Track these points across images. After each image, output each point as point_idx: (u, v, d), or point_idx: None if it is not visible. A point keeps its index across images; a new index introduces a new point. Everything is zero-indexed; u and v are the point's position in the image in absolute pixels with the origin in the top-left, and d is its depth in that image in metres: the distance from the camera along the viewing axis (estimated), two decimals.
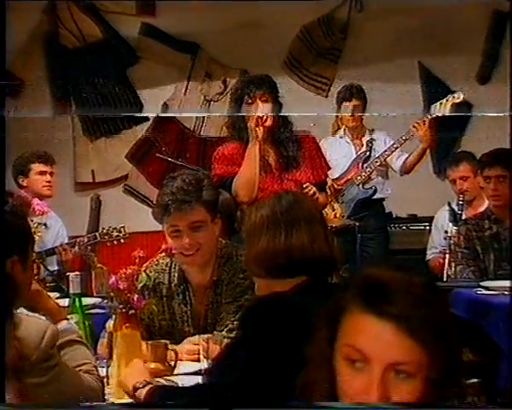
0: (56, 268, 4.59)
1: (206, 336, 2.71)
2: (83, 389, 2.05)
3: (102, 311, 2.97)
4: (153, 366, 2.56)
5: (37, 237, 3.31)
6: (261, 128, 3.89)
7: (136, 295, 2.51)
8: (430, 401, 1.40)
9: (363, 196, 5.16)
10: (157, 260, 3.07)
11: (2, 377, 1.52)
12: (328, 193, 4.68)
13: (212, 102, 6.45)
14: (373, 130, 5.38)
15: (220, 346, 2.55)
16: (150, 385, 2.24)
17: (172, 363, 2.61)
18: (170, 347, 2.66)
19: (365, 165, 5.21)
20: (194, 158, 6.25)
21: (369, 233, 5.14)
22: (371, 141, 5.27)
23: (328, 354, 1.45)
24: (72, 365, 2.07)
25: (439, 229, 5.05)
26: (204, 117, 6.45)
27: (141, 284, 2.65)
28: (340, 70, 6.36)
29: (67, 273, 2.78)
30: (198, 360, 2.64)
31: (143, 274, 2.83)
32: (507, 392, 3.34)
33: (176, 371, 2.60)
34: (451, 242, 4.40)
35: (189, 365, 2.69)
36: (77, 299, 2.63)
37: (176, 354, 2.63)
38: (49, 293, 2.48)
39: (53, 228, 4.79)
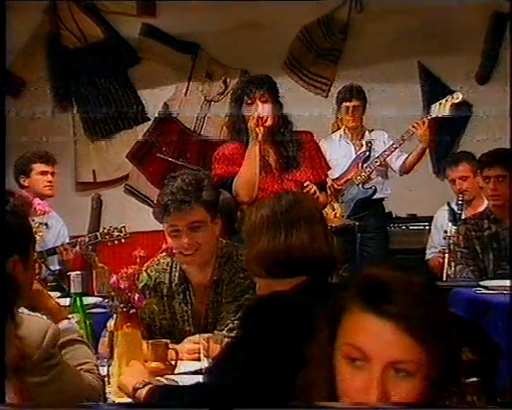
0: (57, 268, 4.60)
1: (206, 335, 2.71)
2: (84, 388, 2.05)
3: (103, 310, 2.98)
4: (153, 365, 2.57)
5: (38, 237, 3.34)
6: (261, 128, 3.90)
7: (137, 295, 2.51)
8: (429, 400, 1.41)
9: (362, 195, 5.17)
10: (158, 260, 3.08)
11: (3, 377, 1.53)
12: (328, 193, 4.67)
13: (212, 103, 6.46)
14: (372, 130, 5.39)
15: (220, 345, 2.55)
16: (150, 385, 2.24)
17: (173, 362, 2.61)
18: (170, 346, 2.67)
19: (365, 165, 5.21)
20: (195, 158, 6.25)
21: (368, 233, 5.15)
22: (371, 141, 5.28)
23: (328, 354, 1.46)
24: (73, 364, 2.07)
25: (438, 229, 5.06)
26: (204, 117, 6.46)
27: (142, 284, 2.66)
28: (340, 70, 6.37)
29: (68, 273, 2.78)
30: (198, 360, 2.65)
31: (144, 274, 2.85)
32: (506, 391, 3.35)
33: (176, 371, 2.60)
34: (451, 241, 4.40)
35: (190, 364, 2.69)
36: (78, 298, 2.63)
37: (176, 353, 2.63)
38: (50, 292, 2.50)
39: (54, 228, 4.80)
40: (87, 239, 4.66)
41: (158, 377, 2.46)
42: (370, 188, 5.20)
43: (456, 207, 4.66)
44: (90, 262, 4.36)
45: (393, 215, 5.87)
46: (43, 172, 4.87)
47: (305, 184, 3.92)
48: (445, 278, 4.39)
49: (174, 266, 3.06)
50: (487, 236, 4.29)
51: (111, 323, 2.57)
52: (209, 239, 2.98)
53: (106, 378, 2.39)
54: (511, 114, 5.24)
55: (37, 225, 3.65)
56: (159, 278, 3.04)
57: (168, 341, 2.71)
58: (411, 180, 5.49)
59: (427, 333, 1.39)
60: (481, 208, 4.57)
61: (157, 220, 3.02)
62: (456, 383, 1.46)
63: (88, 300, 3.13)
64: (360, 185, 5.17)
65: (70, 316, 2.40)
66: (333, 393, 1.45)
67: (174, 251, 2.93)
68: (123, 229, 4.62)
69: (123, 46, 6.39)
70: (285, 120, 4.00)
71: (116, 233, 4.61)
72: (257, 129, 3.89)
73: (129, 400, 2.28)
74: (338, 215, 5.05)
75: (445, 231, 4.58)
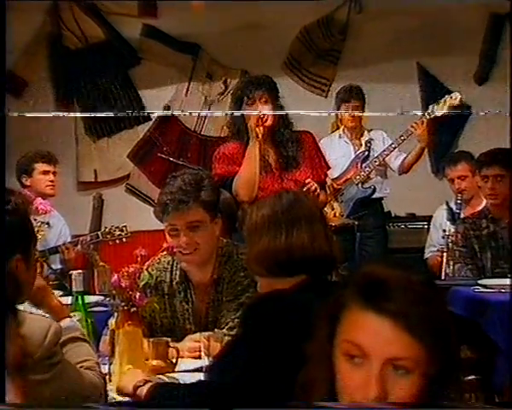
0: (59, 267, 4.61)
1: (207, 333, 2.72)
2: (85, 385, 2.05)
3: (105, 309, 3.00)
4: (154, 363, 2.58)
5: (40, 236, 3.35)
6: (261, 128, 3.91)
7: (138, 293, 2.53)
8: (428, 397, 1.41)
9: (362, 195, 5.18)
10: (159, 259, 3.08)
11: (3, 377, 1.53)
12: (328, 192, 4.69)
13: (212, 103, 6.47)
14: (371, 130, 5.40)
15: (221, 343, 2.56)
16: (150, 383, 2.26)
17: (174, 360, 2.62)
18: (171, 344, 2.68)
19: (364, 164, 5.22)
20: (195, 158, 6.26)
21: (368, 232, 5.15)
22: (370, 141, 5.29)
23: (327, 351, 1.46)
24: (74, 361, 2.07)
25: (437, 228, 5.07)
26: (205, 117, 6.47)
27: (143, 282, 2.68)
28: (340, 71, 6.37)
29: (70, 272, 2.78)
30: (199, 358, 2.66)
31: (145, 272, 2.87)
32: (504, 389, 3.37)
33: (177, 369, 2.61)
34: (449, 240, 4.41)
35: (190, 362, 2.70)
36: (79, 297, 2.64)
37: (177, 351, 2.64)
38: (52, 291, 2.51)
39: (56, 227, 4.81)
40: (88, 238, 4.67)
41: (159, 375, 2.48)
42: (369, 187, 5.20)
43: (454, 207, 4.68)
44: (92, 261, 4.37)
45: (392, 214, 5.88)
46: (45, 172, 4.88)
47: (306, 181, 3.94)
48: (443, 277, 4.41)
49: (175, 264, 3.06)
50: (485, 235, 4.30)
51: (112, 321, 2.58)
52: (208, 239, 2.98)
53: (107, 376, 2.40)
54: (511, 114, 5.24)
55: (39, 224, 3.66)
56: (160, 276, 3.05)
57: (169, 339, 2.72)
58: (410, 180, 5.50)
59: (426, 331, 1.40)
60: (480, 207, 4.58)
61: (158, 219, 3.03)
62: (455, 381, 1.46)
63: (89, 298, 3.13)
64: (359, 185, 5.18)
65: (72, 314, 2.39)
66: (332, 390, 1.45)
67: (174, 250, 2.95)
68: (124, 228, 4.62)
69: (124, 47, 6.40)
70: (285, 119, 4.01)
71: (117, 232, 4.61)
72: (257, 129, 3.90)
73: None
74: (337, 214, 5.06)
75: (444, 230, 4.60)
